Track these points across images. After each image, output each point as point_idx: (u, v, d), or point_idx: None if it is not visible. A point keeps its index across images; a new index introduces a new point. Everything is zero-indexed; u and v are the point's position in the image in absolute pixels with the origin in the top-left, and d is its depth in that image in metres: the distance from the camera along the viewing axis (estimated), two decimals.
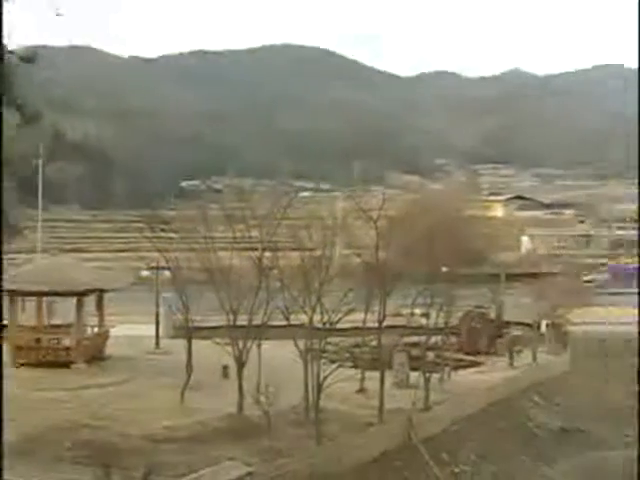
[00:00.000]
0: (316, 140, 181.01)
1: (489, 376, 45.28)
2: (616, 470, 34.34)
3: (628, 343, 53.97)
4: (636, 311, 60.42)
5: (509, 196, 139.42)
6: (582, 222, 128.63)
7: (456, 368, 44.40)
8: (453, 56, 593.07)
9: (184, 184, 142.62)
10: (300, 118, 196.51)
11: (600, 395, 46.59)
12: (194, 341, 35.82)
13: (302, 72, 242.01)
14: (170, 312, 43.00)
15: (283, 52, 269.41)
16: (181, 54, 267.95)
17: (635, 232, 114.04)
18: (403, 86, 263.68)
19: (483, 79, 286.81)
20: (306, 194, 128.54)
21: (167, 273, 38.75)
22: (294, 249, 36.87)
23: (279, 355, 38.70)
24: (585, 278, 67.73)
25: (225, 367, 36.41)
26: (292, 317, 34.06)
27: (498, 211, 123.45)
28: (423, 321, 40.13)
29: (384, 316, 34.80)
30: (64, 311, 42.60)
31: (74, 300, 39.61)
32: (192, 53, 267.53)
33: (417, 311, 40.59)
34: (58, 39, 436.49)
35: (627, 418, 41.94)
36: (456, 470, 34.53)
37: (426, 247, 39.25)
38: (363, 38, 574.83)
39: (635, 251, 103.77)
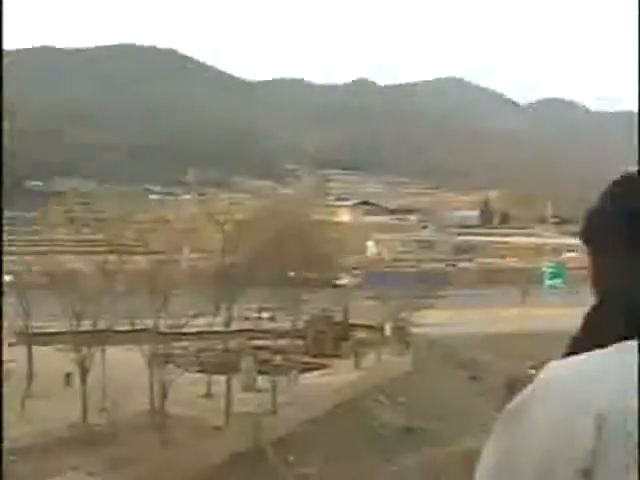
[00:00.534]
0: (165, 143, 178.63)
1: (335, 378, 46.03)
2: (455, 464, 35.78)
3: (465, 342, 56.23)
4: (469, 313, 63.02)
5: (356, 201, 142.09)
6: (425, 227, 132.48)
7: (303, 371, 44.88)
8: (302, 63, 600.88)
9: (28, 184, 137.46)
10: (150, 121, 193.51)
11: (440, 394, 48.28)
12: (35, 347, 34.66)
13: (151, 73, 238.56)
14: (9, 318, 41.39)
15: (132, 51, 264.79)
16: (28, 49, 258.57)
17: (476, 238, 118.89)
18: (252, 90, 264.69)
19: (331, 87, 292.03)
20: (155, 197, 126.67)
21: (7, 278, 37.38)
22: (141, 253, 36.41)
23: (124, 361, 38.01)
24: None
25: (68, 374, 35.42)
26: (138, 322, 33.57)
27: (345, 216, 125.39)
28: (270, 325, 40.41)
29: (230, 320, 34.90)
30: None
31: None
32: (40, 49, 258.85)
33: (264, 315, 40.87)
34: None
35: (464, 415, 43.75)
36: (303, 472, 34.98)
37: (274, 251, 39.63)
38: (213, 42, 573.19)
39: (475, 255, 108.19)
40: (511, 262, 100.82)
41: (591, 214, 1.75)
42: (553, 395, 1.56)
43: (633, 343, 1.66)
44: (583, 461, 1.55)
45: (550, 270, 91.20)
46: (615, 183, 1.81)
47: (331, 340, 51.98)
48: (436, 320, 58.49)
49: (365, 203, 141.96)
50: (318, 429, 38.92)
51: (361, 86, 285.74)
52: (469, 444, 38.28)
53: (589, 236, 1.76)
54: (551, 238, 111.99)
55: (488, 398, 45.86)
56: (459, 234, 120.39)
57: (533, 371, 45.70)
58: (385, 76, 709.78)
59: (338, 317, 55.73)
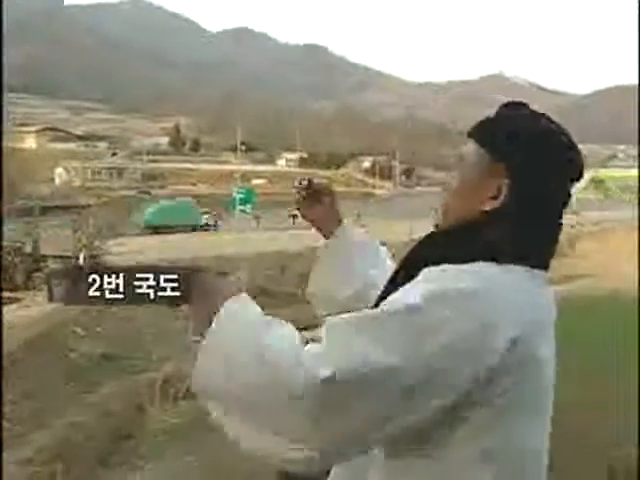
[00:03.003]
0: None
1: (29, 311, 44.29)
2: (154, 387, 36.24)
3: None
4: (165, 239, 63.71)
5: (41, 127, 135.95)
6: (115, 154, 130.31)
7: None
8: None
9: None
10: None
11: (138, 322, 48.31)
12: None
13: None
14: None
15: None
16: None
17: (167, 165, 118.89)
18: None
19: (11, 2, 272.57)
20: None
21: None
22: None
23: None
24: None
25: None
26: None
27: (30, 142, 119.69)
28: None
29: None
30: None
31: None
32: None
33: None
34: None
35: (163, 342, 44.32)
36: None
37: None
38: None
39: (166, 182, 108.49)
40: (203, 189, 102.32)
41: (504, 130, 1.70)
42: (478, 302, 1.56)
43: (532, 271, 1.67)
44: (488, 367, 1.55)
45: (240, 196, 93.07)
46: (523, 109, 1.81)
47: (22, 272, 49.83)
48: (131, 248, 58.01)
49: (51, 129, 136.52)
50: (13, 364, 37.47)
51: (46, 2, 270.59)
52: (169, 369, 38.95)
53: (503, 153, 1.73)
54: (240, 165, 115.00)
55: (187, 322, 46.78)
56: (150, 161, 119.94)
57: None
58: None
59: (29, 249, 53.40)
